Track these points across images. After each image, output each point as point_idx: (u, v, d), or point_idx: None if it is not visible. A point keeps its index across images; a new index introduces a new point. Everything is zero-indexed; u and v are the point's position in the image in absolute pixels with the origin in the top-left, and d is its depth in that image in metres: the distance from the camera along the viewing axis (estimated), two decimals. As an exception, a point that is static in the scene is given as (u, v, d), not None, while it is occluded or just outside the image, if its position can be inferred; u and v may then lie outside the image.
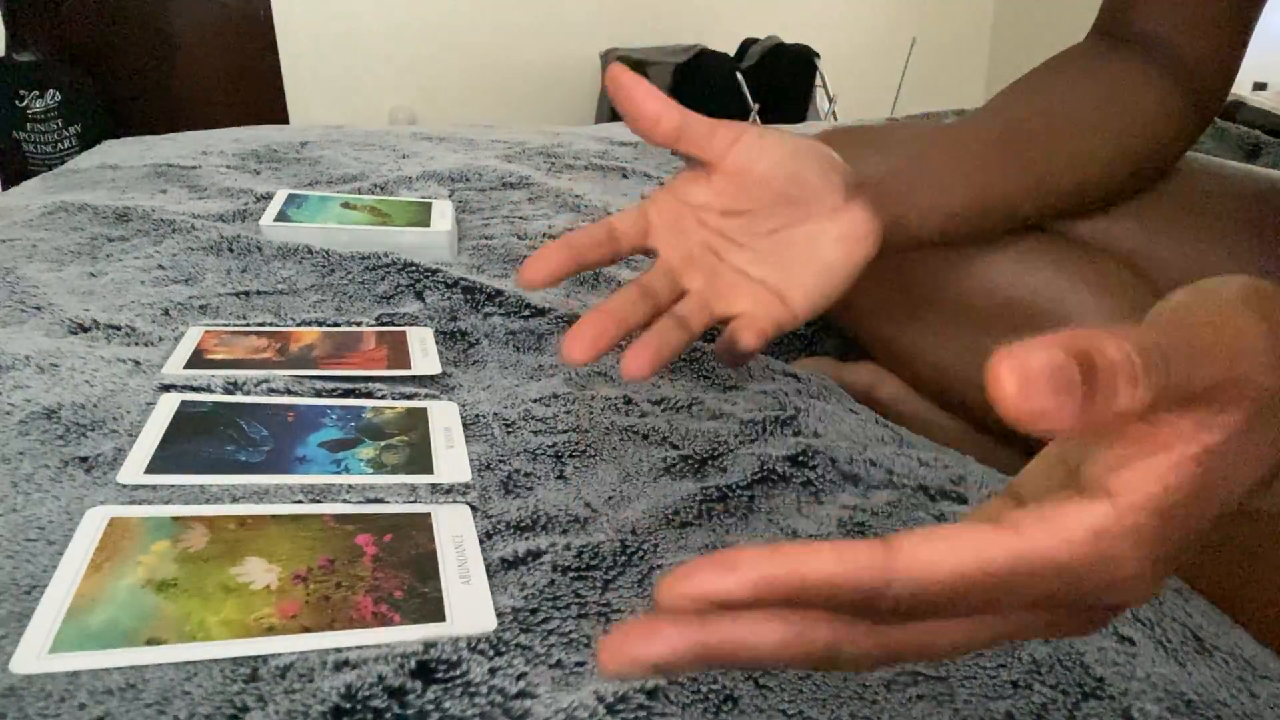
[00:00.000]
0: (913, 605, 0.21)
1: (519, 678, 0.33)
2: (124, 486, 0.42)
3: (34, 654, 0.32)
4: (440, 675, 0.33)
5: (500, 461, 0.48)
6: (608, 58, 3.02)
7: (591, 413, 0.53)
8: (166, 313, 0.62)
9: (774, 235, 0.43)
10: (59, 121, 2.39)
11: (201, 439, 0.46)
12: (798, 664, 0.22)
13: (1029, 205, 0.54)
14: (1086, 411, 0.19)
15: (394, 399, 0.53)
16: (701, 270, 0.43)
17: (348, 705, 0.31)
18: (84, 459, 0.44)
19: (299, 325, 0.61)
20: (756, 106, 2.87)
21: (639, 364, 0.38)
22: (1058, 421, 0.19)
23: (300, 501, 0.42)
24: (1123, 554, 0.21)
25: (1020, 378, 0.18)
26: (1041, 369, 0.18)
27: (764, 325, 0.43)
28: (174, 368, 0.54)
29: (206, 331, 0.59)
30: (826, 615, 0.22)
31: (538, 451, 0.49)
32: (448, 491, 0.45)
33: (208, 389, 0.51)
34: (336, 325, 0.62)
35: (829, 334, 0.74)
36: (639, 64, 2.88)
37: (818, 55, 2.99)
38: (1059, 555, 0.21)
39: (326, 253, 0.71)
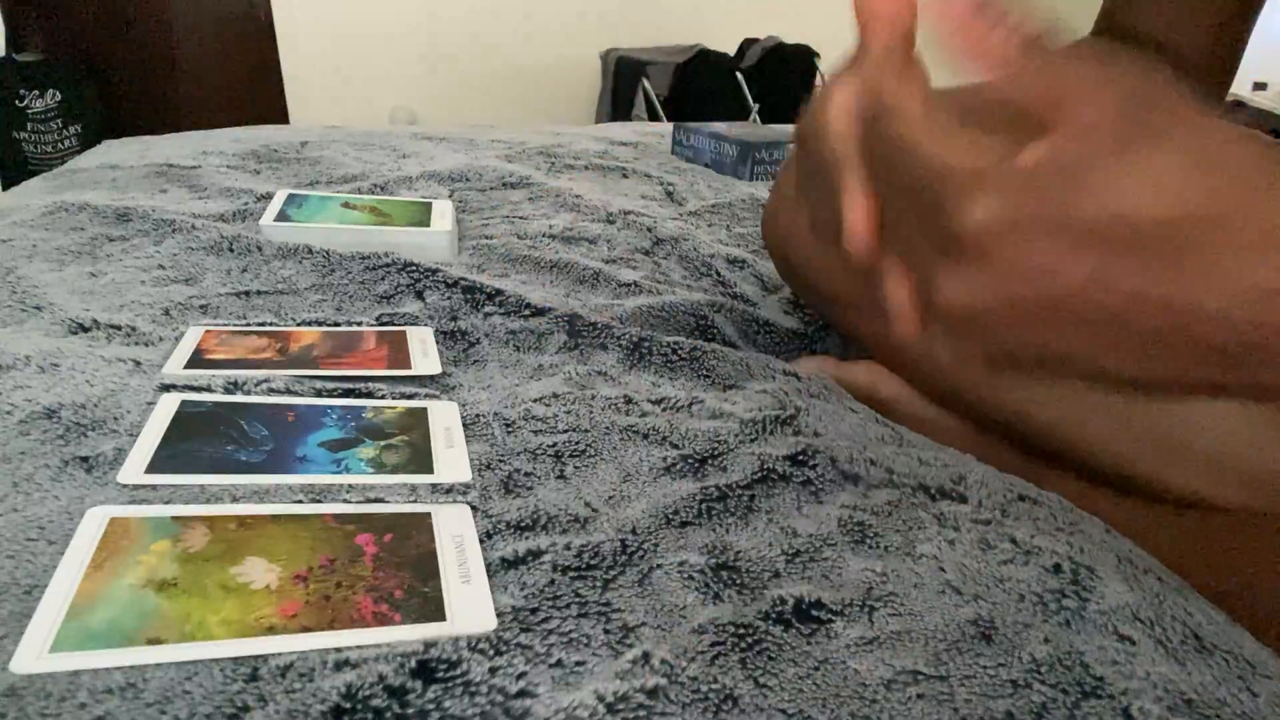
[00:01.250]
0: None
1: (519, 677, 0.33)
2: (124, 486, 0.42)
3: (34, 654, 0.32)
4: (440, 675, 0.33)
5: (500, 461, 0.48)
6: (608, 58, 3.02)
7: (591, 413, 0.53)
8: (167, 313, 0.62)
9: None
10: (59, 121, 2.39)
11: (202, 439, 0.46)
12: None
13: None
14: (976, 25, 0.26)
15: (394, 399, 0.53)
16: None
17: (348, 705, 0.31)
18: (84, 459, 0.44)
19: (299, 325, 0.61)
20: (756, 106, 2.87)
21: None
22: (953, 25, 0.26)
23: (300, 501, 0.42)
24: (991, 183, 0.26)
25: None
26: None
27: None
28: (174, 368, 0.54)
29: (207, 331, 0.59)
30: None
31: (538, 451, 0.49)
32: (448, 491, 0.45)
33: (208, 389, 0.51)
34: (336, 325, 0.62)
35: (829, 334, 0.74)
36: (639, 64, 2.88)
37: (818, 55, 2.99)
38: (940, 167, 0.27)
39: (326, 253, 0.71)
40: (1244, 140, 0.25)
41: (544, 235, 0.81)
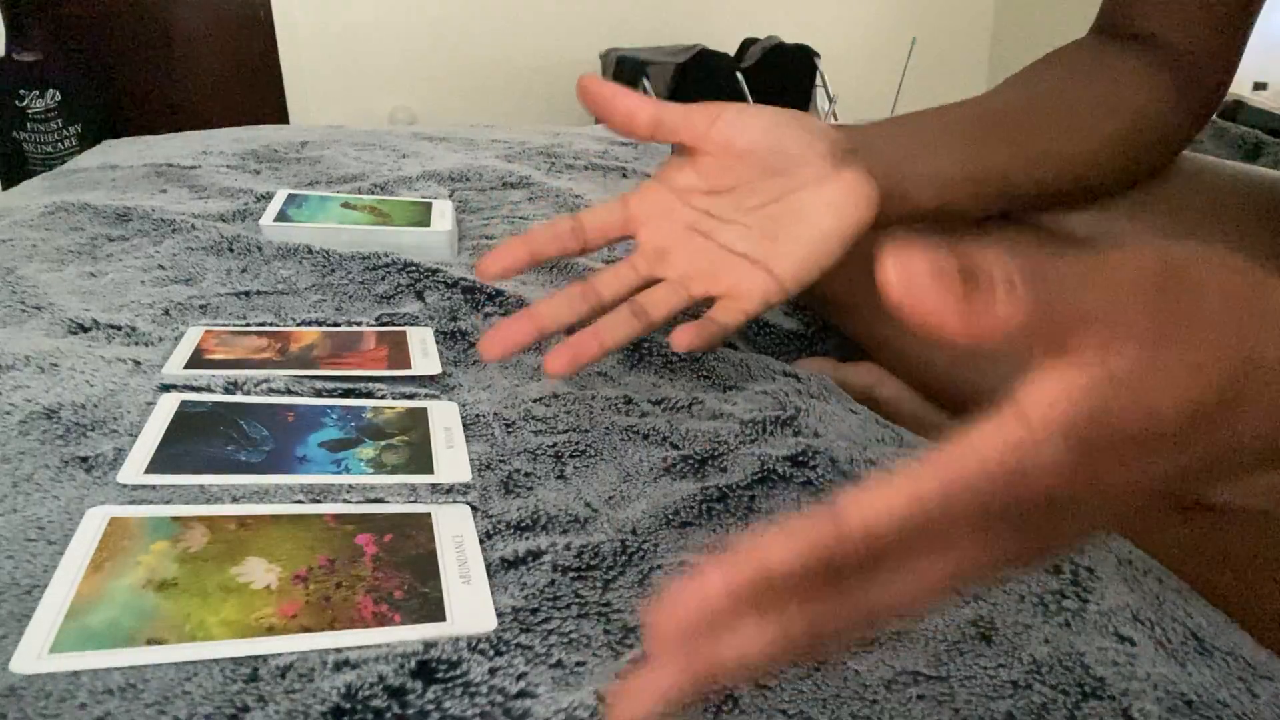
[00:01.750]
0: (867, 554, 0.22)
1: (519, 678, 0.33)
2: (124, 486, 0.42)
3: (34, 654, 0.32)
4: (440, 675, 0.33)
5: (500, 461, 0.48)
6: (608, 58, 3.02)
7: (591, 413, 0.53)
8: (166, 313, 0.62)
9: (763, 209, 0.43)
10: (59, 121, 2.39)
11: (201, 439, 0.46)
12: (785, 656, 0.23)
13: (1024, 182, 0.54)
14: (966, 308, 0.20)
15: (394, 399, 0.53)
16: (684, 252, 0.43)
17: (348, 705, 0.31)
18: (84, 459, 0.44)
19: (299, 325, 0.61)
20: (756, 106, 2.86)
21: (556, 364, 0.40)
22: (938, 315, 0.20)
23: (300, 501, 0.42)
24: (1036, 466, 0.22)
25: (904, 271, 0.20)
26: (924, 264, 0.20)
27: (746, 304, 0.43)
28: (174, 368, 0.54)
29: (206, 331, 0.59)
30: (797, 599, 0.23)
31: (538, 451, 0.49)
32: (448, 491, 0.45)
33: (208, 389, 0.51)
34: (336, 325, 0.62)
35: (829, 334, 0.74)
36: (639, 64, 2.88)
37: (818, 55, 2.99)
38: (977, 473, 0.22)
39: (326, 253, 0.71)
40: (1244, 275, 0.25)
41: (544, 235, 0.81)
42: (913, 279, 0.20)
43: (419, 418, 0.51)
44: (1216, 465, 0.25)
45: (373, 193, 0.89)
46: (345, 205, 0.81)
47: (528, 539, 0.41)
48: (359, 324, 0.62)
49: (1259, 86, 2.57)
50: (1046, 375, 0.23)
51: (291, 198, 0.81)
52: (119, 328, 0.59)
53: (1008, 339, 0.22)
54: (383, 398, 0.53)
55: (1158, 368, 0.23)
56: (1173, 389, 0.23)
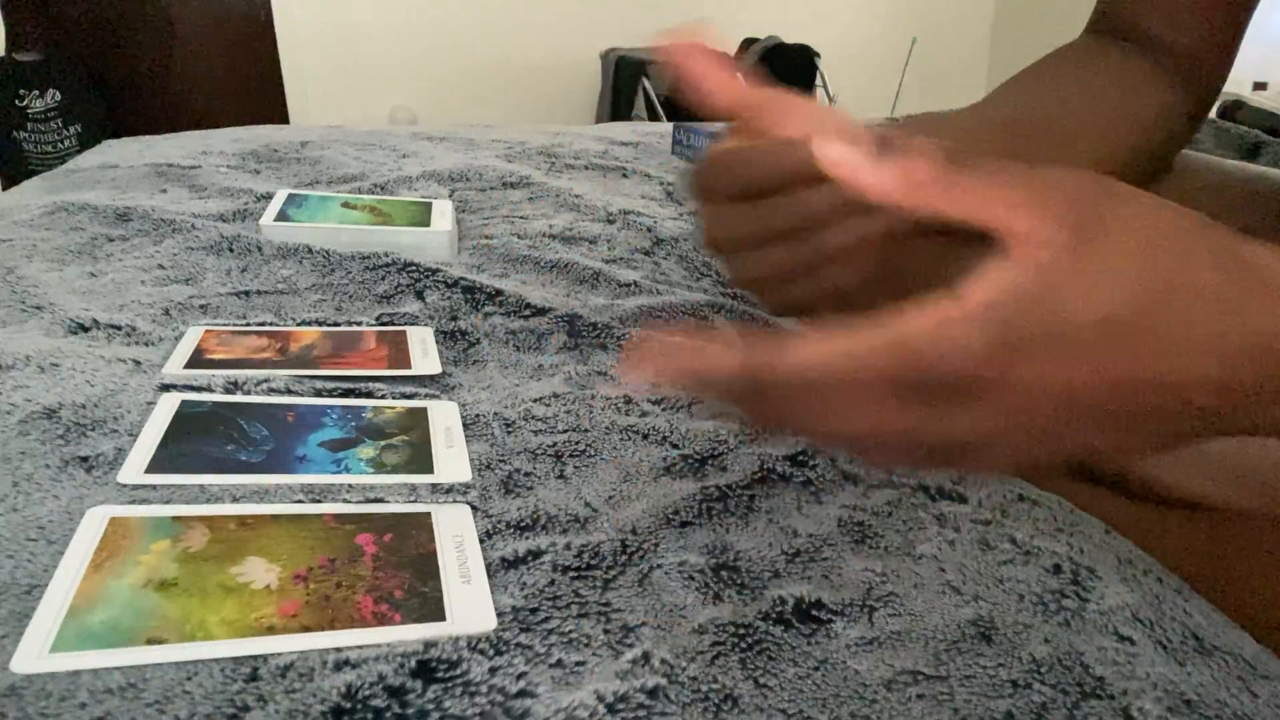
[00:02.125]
0: (791, 386, 0.27)
1: (519, 677, 0.33)
2: (124, 486, 0.42)
3: (34, 653, 0.32)
4: (440, 675, 0.33)
5: (500, 461, 0.48)
6: (608, 58, 3.02)
7: (591, 413, 0.53)
8: (167, 312, 0.62)
9: None
10: (59, 121, 2.39)
11: (202, 439, 0.46)
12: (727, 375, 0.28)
13: None
14: (882, 170, 0.28)
15: (394, 399, 0.53)
16: None
17: (348, 705, 0.31)
18: (84, 459, 0.44)
19: (299, 325, 0.61)
20: (756, 106, 2.86)
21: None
22: (857, 175, 0.28)
23: (300, 501, 0.42)
24: (965, 337, 0.26)
25: (832, 147, 0.28)
26: (846, 141, 0.28)
27: None
28: (174, 367, 0.54)
29: (207, 331, 0.59)
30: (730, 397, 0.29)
31: (538, 451, 0.49)
32: (448, 491, 0.45)
33: (208, 389, 0.51)
34: (336, 325, 0.62)
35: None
36: (639, 64, 2.88)
37: (818, 55, 2.99)
38: (909, 337, 0.26)
39: (326, 253, 0.71)
40: (1178, 216, 0.28)
41: (544, 235, 0.81)
42: (838, 151, 0.28)
43: (419, 418, 0.51)
44: (1143, 413, 0.27)
45: (373, 193, 0.89)
46: (345, 205, 0.81)
47: (528, 539, 0.41)
48: (359, 324, 0.62)
49: (1259, 86, 2.57)
50: (984, 268, 0.26)
51: (291, 198, 0.81)
52: (119, 328, 0.59)
53: (946, 212, 0.27)
54: (383, 397, 0.53)
55: (1075, 271, 0.26)
56: (1087, 293, 0.26)
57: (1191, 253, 0.27)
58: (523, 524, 0.42)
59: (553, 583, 0.39)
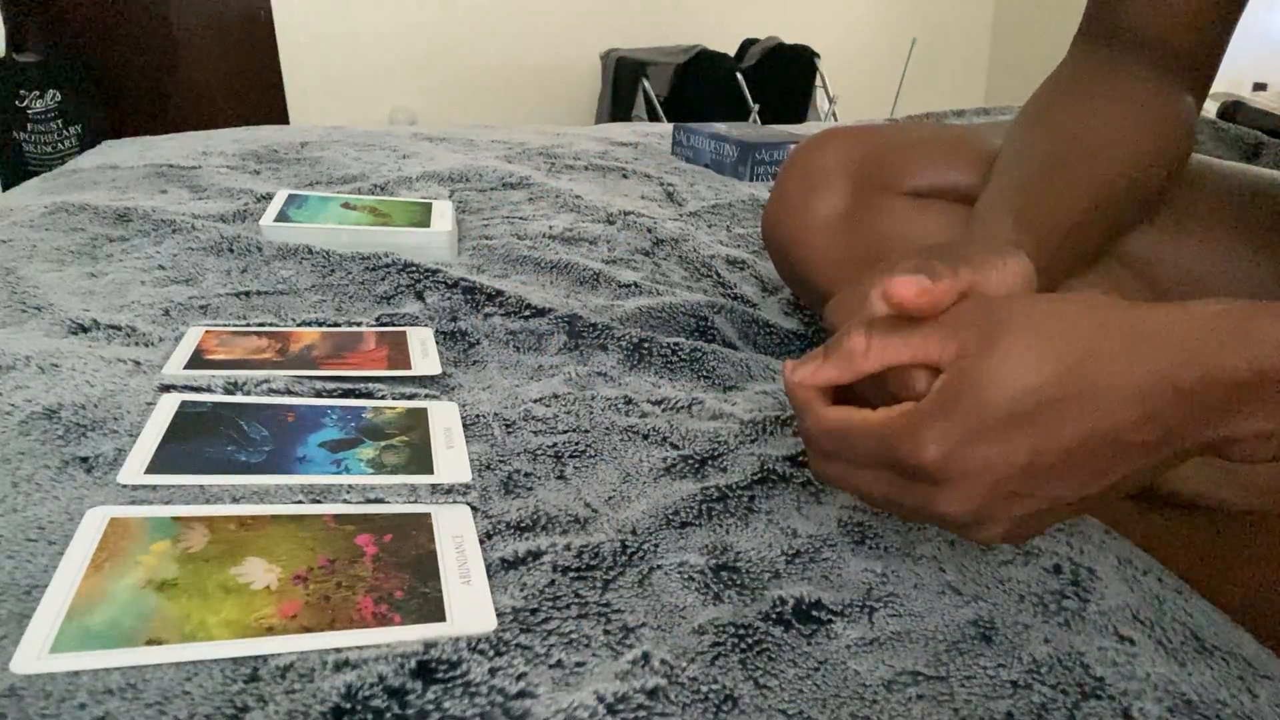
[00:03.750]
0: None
1: (519, 678, 0.33)
2: (124, 487, 0.42)
3: (34, 654, 0.32)
4: (440, 675, 0.33)
5: (500, 461, 0.48)
6: (608, 58, 3.02)
7: (591, 413, 0.53)
8: (167, 313, 0.62)
9: None
10: (59, 121, 2.39)
11: (201, 439, 0.46)
12: None
13: (1094, 231, 0.51)
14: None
15: (394, 399, 0.53)
16: None
17: (348, 705, 0.31)
18: (84, 459, 0.44)
19: (299, 325, 0.61)
20: (756, 107, 2.87)
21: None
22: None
23: (300, 502, 0.42)
24: (923, 426, 0.33)
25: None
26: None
27: None
28: (174, 368, 0.54)
29: (207, 332, 0.59)
30: None
31: (538, 451, 0.49)
32: (448, 491, 0.45)
33: (208, 389, 0.51)
34: (336, 325, 0.62)
35: (828, 334, 0.74)
36: (639, 64, 2.88)
37: (818, 55, 2.99)
38: (882, 426, 0.34)
39: (326, 253, 0.71)
40: (1066, 301, 0.34)
41: (544, 236, 0.81)
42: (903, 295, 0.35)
43: (419, 418, 0.51)
44: (1098, 466, 0.33)
45: (373, 193, 0.89)
46: (345, 206, 0.81)
47: (528, 539, 0.41)
48: (359, 324, 0.62)
49: (1259, 87, 2.57)
50: (934, 388, 0.34)
51: (291, 198, 0.81)
52: (119, 328, 0.59)
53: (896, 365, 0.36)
54: (383, 398, 0.53)
55: (986, 369, 0.33)
56: (999, 381, 0.32)
57: (1088, 327, 0.33)
58: (523, 524, 0.42)
59: (553, 583, 0.39)
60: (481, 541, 0.41)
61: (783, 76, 2.97)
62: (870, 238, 0.59)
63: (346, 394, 0.53)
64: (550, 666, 0.34)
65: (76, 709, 0.30)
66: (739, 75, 2.87)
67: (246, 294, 0.66)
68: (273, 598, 0.36)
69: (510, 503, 0.44)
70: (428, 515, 0.42)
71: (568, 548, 0.41)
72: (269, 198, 0.83)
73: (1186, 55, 0.56)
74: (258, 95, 2.76)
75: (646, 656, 0.34)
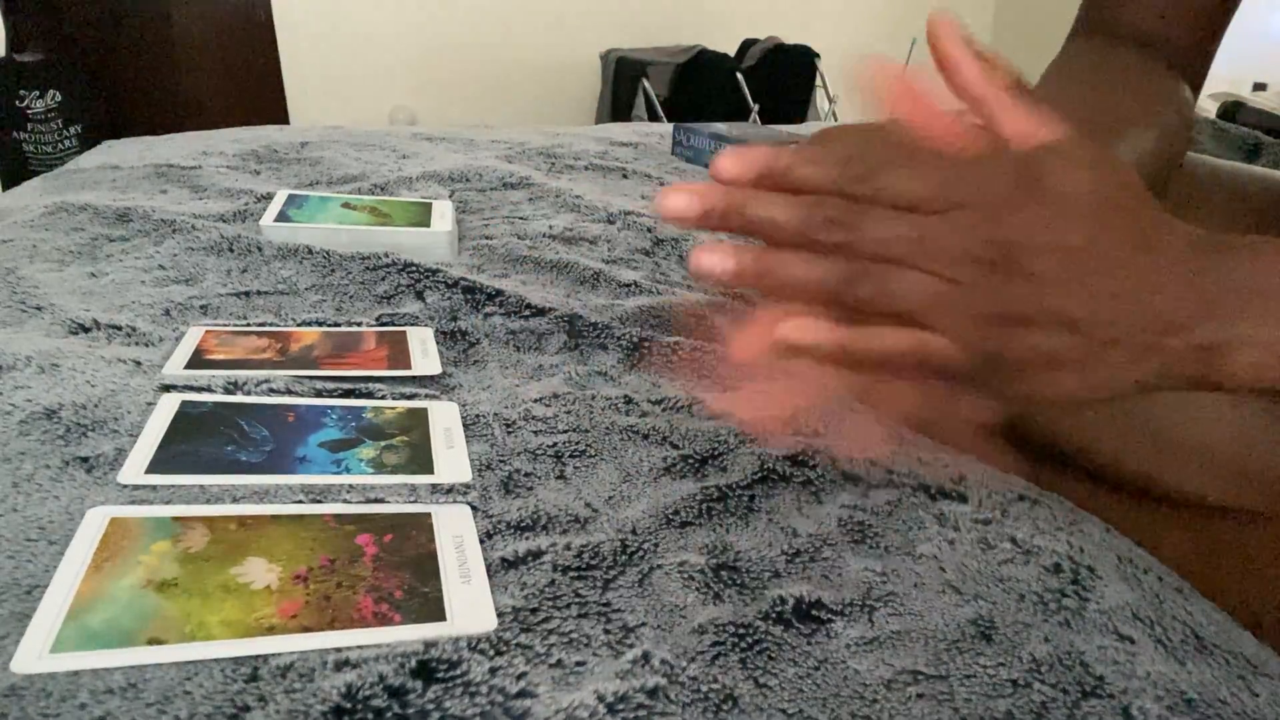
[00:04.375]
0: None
1: (519, 677, 0.33)
2: (124, 486, 0.42)
3: (34, 654, 0.32)
4: (440, 675, 0.33)
5: (500, 461, 0.48)
6: (608, 58, 3.02)
7: (591, 413, 0.53)
8: (167, 313, 0.62)
9: None
10: (59, 121, 2.39)
11: (202, 439, 0.46)
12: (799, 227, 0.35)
13: None
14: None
15: (394, 399, 0.53)
16: None
17: (348, 705, 0.31)
18: (84, 459, 0.44)
19: (299, 325, 0.61)
20: (756, 107, 2.87)
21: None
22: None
23: (300, 501, 0.42)
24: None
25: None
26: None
27: None
28: (174, 368, 0.54)
29: (207, 331, 0.59)
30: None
31: (538, 451, 0.49)
32: (448, 491, 0.45)
33: (208, 389, 0.51)
34: (337, 325, 0.62)
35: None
36: (639, 64, 2.88)
37: (818, 55, 2.99)
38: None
39: (327, 253, 0.71)
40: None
41: (544, 235, 0.81)
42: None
43: (419, 418, 0.51)
44: (1119, 314, 0.33)
45: (373, 193, 0.89)
46: (345, 206, 0.81)
47: (528, 539, 0.41)
48: (359, 324, 0.62)
49: (1259, 87, 2.57)
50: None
51: (292, 198, 0.81)
52: (119, 328, 0.59)
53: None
54: (383, 398, 0.53)
55: (1093, 155, 0.35)
56: (1094, 174, 0.34)
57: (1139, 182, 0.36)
58: (523, 524, 0.42)
59: (553, 583, 0.39)
60: (481, 541, 0.41)
61: (783, 76, 2.97)
62: None
63: (347, 394, 0.53)
64: (550, 666, 0.34)
65: (77, 709, 0.30)
66: (739, 75, 2.87)
67: (246, 294, 0.66)
68: (273, 597, 0.36)
69: (510, 502, 0.44)
70: (428, 515, 0.42)
71: (568, 547, 0.41)
72: (269, 198, 0.83)
73: (1181, 50, 0.56)
74: (258, 95, 2.75)
75: (646, 656, 0.34)
